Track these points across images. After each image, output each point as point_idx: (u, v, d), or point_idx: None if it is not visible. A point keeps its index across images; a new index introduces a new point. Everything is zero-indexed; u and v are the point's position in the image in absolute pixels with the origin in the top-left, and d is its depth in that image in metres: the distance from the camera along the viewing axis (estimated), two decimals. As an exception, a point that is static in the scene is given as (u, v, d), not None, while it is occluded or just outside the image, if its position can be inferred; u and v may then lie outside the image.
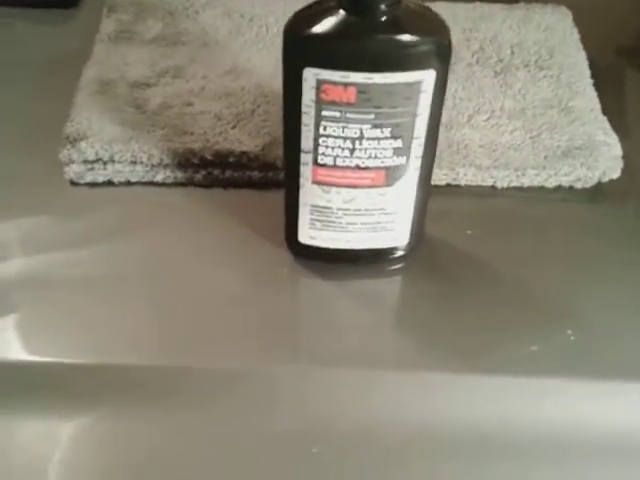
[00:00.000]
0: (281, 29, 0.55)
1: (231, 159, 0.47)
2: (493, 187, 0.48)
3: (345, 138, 0.37)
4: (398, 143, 0.38)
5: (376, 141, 0.37)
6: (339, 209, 0.40)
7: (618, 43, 0.61)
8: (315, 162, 0.38)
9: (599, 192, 0.48)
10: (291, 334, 0.41)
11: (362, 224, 0.41)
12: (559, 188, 0.48)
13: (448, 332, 0.41)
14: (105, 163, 0.47)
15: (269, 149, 0.47)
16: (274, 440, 0.39)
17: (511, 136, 0.49)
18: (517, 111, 0.50)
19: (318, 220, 0.41)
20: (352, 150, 0.38)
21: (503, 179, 0.47)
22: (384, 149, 0.38)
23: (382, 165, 0.38)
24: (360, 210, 0.40)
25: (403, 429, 0.39)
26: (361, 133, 0.37)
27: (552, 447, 0.38)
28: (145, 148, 0.47)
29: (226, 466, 0.39)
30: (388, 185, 0.39)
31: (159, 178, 0.47)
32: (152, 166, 0.47)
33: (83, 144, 0.46)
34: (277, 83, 0.51)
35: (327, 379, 0.40)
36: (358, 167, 0.38)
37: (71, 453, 0.39)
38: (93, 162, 0.47)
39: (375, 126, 0.37)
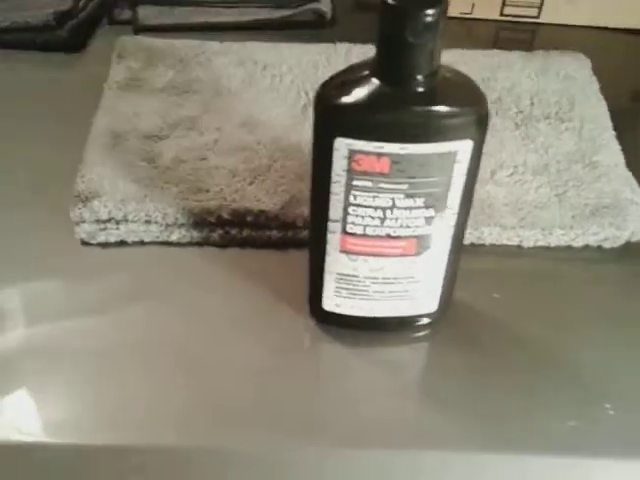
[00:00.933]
0: (295, 78, 0.55)
1: (249, 218, 0.45)
2: (519, 246, 0.46)
3: (376, 207, 0.36)
4: (431, 212, 0.36)
5: (408, 210, 0.36)
6: (366, 277, 0.39)
7: (635, 90, 0.60)
8: (344, 231, 0.37)
9: (628, 251, 0.47)
10: (313, 410, 0.39)
11: (390, 292, 0.39)
12: (586, 247, 0.46)
13: (477, 409, 0.39)
14: (118, 222, 0.45)
15: (288, 208, 0.46)
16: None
17: (536, 194, 0.47)
18: (541, 166, 0.49)
19: (344, 288, 0.39)
20: (383, 219, 0.36)
21: (529, 239, 0.46)
22: (416, 218, 0.36)
23: (413, 234, 0.37)
24: (388, 279, 0.39)
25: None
26: (393, 203, 0.35)
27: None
28: (160, 207, 0.45)
29: None
30: (418, 253, 0.38)
31: (174, 238, 0.46)
32: (167, 225, 0.45)
33: (95, 203, 0.45)
34: (294, 137, 0.51)
35: (348, 459, 0.38)
36: (389, 236, 0.37)
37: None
38: (106, 222, 0.45)
39: (408, 196, 0.35)
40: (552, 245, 0.46)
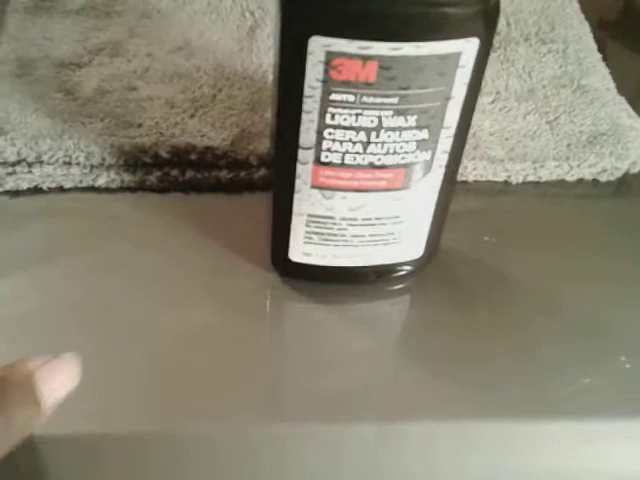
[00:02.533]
0: (239, -4, 0.47)
1: (192, 156, 0.38)
2: (506, 182, 0.40)
3: (358, 129, 0.29)
4: (424, 134, 0.29)
5: (397, 132, 0.29)
6: (343, 219, 0.32)
7: (618, 10, 0.55)
8: (317, 161, 0.30)
9: (623, 185, 0.41)
10: (281, 379, 0.33)
11: (370, 236, 0.33)
12: (580, 182, 0.41)
13: (470, 371, 0.33)
14: (30, 165, 0.37)
15: (239, 143, 0.38)
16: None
17: (525, 121, 0.41)
18: (525, 92, 0.43)
19: (315, 233, 0.32)
20: (366, 144, 0.29)
21: (518, 173, 0.40)
22: (406, 142, 0.29)
23: (402, 162, 0.30)
24: (370, 219, 0.32)
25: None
26: (379, 122, 0.29)
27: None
28: (82, 145, 0.37)
29: None
30: (406, 187, 0.31)
31: (101, 182, 0.38)
32: (92, 167, 0.37)
33: (1, 142, 0.36)
34: (239, 63, 0.43)
35: (324, 437, 0.32)
36: (372, 165, 0.30)
37: None
38: (14, 164, 0.37)
39: (398, 112, 0.28)
40: (543, 180, 0.40)
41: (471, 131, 0.39)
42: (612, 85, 0.44)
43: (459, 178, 0.40)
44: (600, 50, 0.47)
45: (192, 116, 0.39)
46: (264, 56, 0.43)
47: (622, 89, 0.44)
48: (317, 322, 0.34)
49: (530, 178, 0.40)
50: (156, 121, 0.39)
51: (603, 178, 0.41)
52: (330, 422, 0.31)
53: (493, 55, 0.45)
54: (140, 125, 0.39)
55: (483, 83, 0.42)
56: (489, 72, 0.44)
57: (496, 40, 0.46)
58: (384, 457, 0.32)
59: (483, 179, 0.40)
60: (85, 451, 0.30)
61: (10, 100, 0.39)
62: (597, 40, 0.48)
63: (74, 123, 0.38)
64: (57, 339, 0.32)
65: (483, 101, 0.42)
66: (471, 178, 0.40)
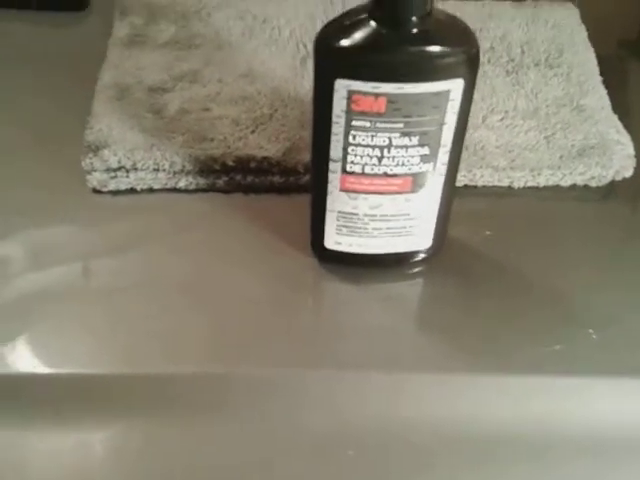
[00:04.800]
0: (293, 30, 0.57)
1: (252, 165, 0.47)
2: (510, 187, 0.49)
3: (374, 147, 0.38)
4: (425, 150, 0.38)
5: (404, 149, 0.38)
6: (365, 215, 0.41)
7: (622, 37, 0.62)
8: (344, 170, 0.39)
9: (612, 190, 0.49)
10: (318, 338, 0.42)
11: (387, 229, 0.42)
12: (574, 187, 0.49)
13: (471, 334, 0.42)
14: (128, 171, 0.47)
15: (290, 154, 0.48)
16: (306, 444, 0.40)
17: (526, 136, 0.50)
18: (530, 111, 0.51)
19: (344, 226, 0.42)
20: (380, 158, 0.38)
21: (519, 179, 0.48)
22: (412, 157, 0.38)
23: (409, 172, 0.39)
24: (386, 216, 0.41)
25: (430, 430, 0.40)
26: (390, 141, 0.38)
27: (578, 445, 0.39)
28: (167, 155, 0.47)
29: (260, 472, 0.40)
30: (414, 191, 0.40)
31: (181, 185, 0.48)
32: (174, 173, 0.47)
33: (105, 152, 0.47)
34: (293, 87, 0.53)
35: (354, 382, 0.41)
36: (386, 174, 0.39)
37: (105, 463, 0.39)
38: (116, 170, 0.47)
39: (404, 134, 0.37)
40: (541, 185, 0.48)
41: (479, 145, 0.49)
42: (607, 104, 0.52)
43: (469, 183, 0.49)
44: (602, 72, 0.55)
45: (253, 132, 0.49)
46: (312, 82, 0.53)
47: (617, 107, 0.52)
48: (346, 297, 0.44)
49: (530, 184, 0.48)
50: (224, 136, 0.49)
51: (593, 184, 0.49)
52: (357, 370, 0.41)
53: (507, 79, 0.54)
54: (212, 139, 0.48)
55: (495, 103, 0.51)
56: (501, 93, 0.52)
57: (510, 65, 0.55)
58: (395, 402, 0.41)
59: (489, 184, 0.49)
60: (158, 388, 0.41)
61: (112, 119, 0.49)
62: (601, 64, 0.55)
63: (161, 138, 0.48)
64: (152, 302, 0.43)
65: (493, 119, 0.51)
66: (479, 183, 0.49)
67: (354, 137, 0.38)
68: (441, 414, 0.41)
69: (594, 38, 0.57)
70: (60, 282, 0.44)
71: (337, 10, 0.58)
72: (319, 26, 0.57)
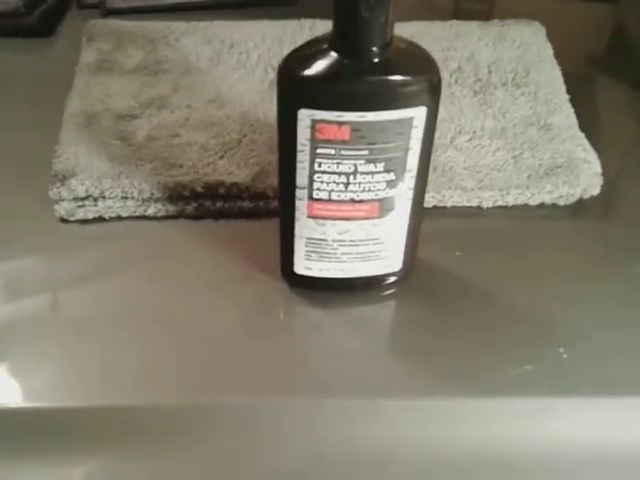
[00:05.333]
0: (261, 55, 0.57)
1: (222, 190, 0.47)
2: (479, 207, 0.49)
3: (340, 173, 0.38)
4: (391, 176, 0.38)
5: (370, 175, 0.38)
6: (334, 240, 0.41)
7: (588, 55, 0.62)
8: (310, 197, 0.39)
9: (580, 208, 0.49)
10: (290, 365, 0.42)
11: (357, 254, 0.42)
12: (542, 205, 0.49)
13: (442, 357, 0.42)
14: (95, 199, 0.47)
15: (259, 179, 0.48)
16: (281, 471, 0.40)
17: (494, 157, 0.50)
18: (498, 130, 0.52)
19: (314, 252, 0.42)
20: (347, 184, 0.38)
21: (488, 199, 0.49)
22: (377, 182, 0.39)
23: (376, 197, 0.39)
24: (355, 241, 0.41)
25: (403, 455, 0.40)
26: (355, 168, 0.38)
27: (552, 466, 0.40)
28: (135, 183, 0.47)
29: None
30: (382, 216, 0.40)
31: (150, 212, 0.48)
32: (143, 200, 0.47)
33: (73, 181, 0.47)
34: (262, 111, 0.53)
35: (327, 409, 0.41)
36: (352, 200, 0.39)
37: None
38: (83, 199, 0.47)
39: (369, 161, 0.38)
40: (510, 204, 0.49)
41: (448, 165, 0.49)
42: (574, 123, 0.52)
43: (438, 204, 0.49)
44: (569, 90, 0.55)
45: (222, 157, 0.49)
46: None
47: (584, 125, 0.53)
48: (318, 322, 0.44)
49: (499, 203, 0.49)
50: (193, 162, 0.49)
51: (561, 202, 0.49)
52: (329, 397, 0.41)
53: (474, 99, 0.54)
54: (181, 166, 0.48)
55: (463, 123, 0.52)
56: (469, 114, 0.53)
57: (478, 86, 0.55)
58: (370, 427, 0.41)
59: (458, 205, 0.49)
60: (131, 420, 0.40)
61: (79, 147, 0.49)
62: (567, 82, 0.56)
63: (129, 165, 0.48)
64: (123, 332, 0.42)
65: (461, 140, 0.51)
66: (449, 204, 0.49)
67: (319, 164, 0.38)
68: (414, 438, 0.41)
69: (560, 56, 0.58)
70: (28, 314, 0.43)
71: (305, 34, 0.59)
72: (287, 49, 0.57)
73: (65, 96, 0.54)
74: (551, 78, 0.56)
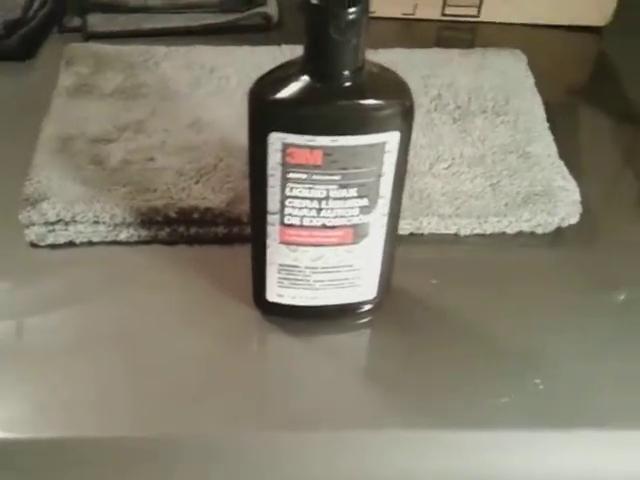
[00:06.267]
0: (241, 80, 0.57)
1: (196, 216, 0.46)
2: (456, 235, 0.48)
3: (312, 199, 0.37)
4: (364, 202, 0.38)
5: (342, 201, 0.38)
6: (307, 267, 0.40)
7: (569, 84, 0.62)
8: (282, 223, 0.38)
9: (559, 236, 0.49)
10: (260, 396, 0.41)
11: (330, 281, 0.41)
12: (520, 234, 0.49)
13: (417, 388, 0.41)
14: (67, 224, 0.46)
15: (234, 204, 0.47)
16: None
17: (472, 184, 0.49)
18: (477, 158, 0.51)
19: (286, 278, 0.41)
20: (319, 210, 0.38)
21: (466, 227, 0.48)
22: (350, 208, 0.38)
23: (349, 223, 0.39)
24: (328, 267, 0.40)
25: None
26: (327, 193, 0.37)
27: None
28: (107, 207, 0.46)
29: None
30: (355, 242, 0.39)
31: (122, 237, 0.47)
32: (115, 225, 0.46)
33: (44, 205, 0.46)
34: (240, 137, 0.51)
35: (297, 442, 0.40)
36: (325, 226, 0.38)
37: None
38: (54, 223, 0.46)
39: (341, 186, 0.37)
40: (488, 232, 0.48)
41: (426, 192, 0.48)
42: (554, 151, 0.52)
43: (415, 231, 0.48)
44: (549, 119, 0.55)
45: (197, 182, 0.48)
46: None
47: (563, 153, 0.52)
48: (290, 350, 0.43)
49: (476, 231, 0.48)
50: (168, 187, 0.48)
51: (539, 231, 0.48)
52: (300, 431, 0.39)
53: (453, 126, 0.54)
54: (155, 190, 0.48)
55: (442, 150, 0.51)
56: (448, 141, 0.52)
57: (457, 113, 0.55)
58: (338, 458, 0.40)
59: (436, 232, 0.48)
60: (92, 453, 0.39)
61: (52, 171, 0.48)
62: (548, 110, 0.56)
63: (102, 189, 0.47)
64: (90, 362, 0.41)
65: (440, 167, 0.51)
66: (426, 231, 0.48)
67: (291, 189, 0.37)
68: (386, 473, 0.39)
69: (541, 85, 0.58)
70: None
71: (286, 58, 0.58)
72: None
73: (42, 120, 0.53)
74: (531, 106, 0.55)
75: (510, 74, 0.58)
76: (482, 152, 0.52)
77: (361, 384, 0.42)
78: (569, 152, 0.53)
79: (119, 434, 0.39)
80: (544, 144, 0.52)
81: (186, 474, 0.39)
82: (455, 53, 0.60)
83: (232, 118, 0.54)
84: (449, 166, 0.51)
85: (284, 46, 0.60)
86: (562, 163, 0.51)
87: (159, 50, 0.59)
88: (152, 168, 0.49)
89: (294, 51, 0.58)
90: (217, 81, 0.57)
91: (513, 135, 0.53)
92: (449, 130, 0.53)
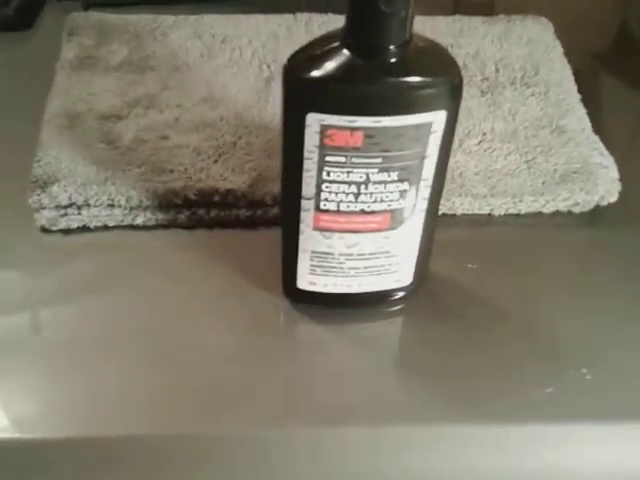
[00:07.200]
0: (256, 51, 0.54)
1: (216, 198, 0.44)
2: (490, 215, 0.46)
3: (350, 183, 0.35)
4: (405, 186, 0.35)
5: (382, 185, 0.35)
6: (341, 254, 0.38)
7: (597, 51, 0.60)
8: (317, 208, 0.36)
9: (597, 215, 0.47)
10: (292, 391, 0.38)
11: (365, 268, 0.39)
12: (557, 213, 0.46)
13: (456, 378, 0.39)
14: (79, 207, 0.43)
15: (256, 185, 0.44)
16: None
17: (506, 161, 0.47)
18: (509, 133, 0.49)
19: (319, 266, 0.38)
20: (357, 195, 0.35)
21: (500, 207, 0.46)
22: (390, 192, 0.35)
23: (388, 209, 0.36)
24: (364, 254, 0.38)
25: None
26: (367, 177, 0.35)
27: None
28: (122, 190, 0.43)
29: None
30: (393, 228, 0.37)
31: (139, 221, 0.44)
32: (131, 209, 0.44)
33: (55, 188, 0.43)
34: (257, 112, 0.49)
35: (334, 438, 0.38)
36: (363, 212, 0.36)
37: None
38: (66, 207, 0.43)
39: (382, 170, 0.34)
40: (522, 212, 0.46)
41: (458, 171, 0.46)
42: (588, 125, 0.50)
43: (448, 212, 0.46)
44: (580, 90, 0.52)
45: (215, 162, 0.46)
46: (278, 106, 0.49)
47: (597, 127, 0.50)
48: (322, 340, 0.40)
49: (511, 211, 0.46)
50: (185, 167, 0.45)
51: (577, 210, 0.46)
52: (336, 426, 0.37)
53: (482, 99, 0.51)
54: (172, 171, 0.45)
55: (472, 125, 0.49)
56: (477, 115, 0.50)
57: (485, 85, 0.52)
58: (378, 455, 0.38)
59: (469, 212, 0.46)
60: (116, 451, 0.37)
61: (61, 150, 0.45)
62: (578, 81, 0.53)
63: (115, 170, 0.45)
64: (109, 355, 0.39)
65: (470, 143, 0.48)
66: (459, 212, 0.46)
67: (328, 173, 0.34)
68: (429, 468, 0.38)
69: (569, 54, 0.55)
70: (6, 333, 0.40)
71: (301, 29, 0.55)
72: (283, 45, 0.54)
73: (45, 95, 0.50)
74: (561, 77, 0.53)
75: (537, 43, 0.55)
76: (514, 127, 0.49)
77: (395, 375, 0.40)
78: (602, 125, 0.50)
79: (145, 432, 0.37)
80: (577, 118, 0.50)
81: (214, 475, 0.37)
82: (479, 21, 0.57)
83: (249, 92, 0.51)
84: (480, 142, 0.48)
85: (299, 14, 0.57)
86: (597, 138, 0.49)
87: (166, 19, 0.56)
88: (167, 147, 0.47)
89: (310, 19, 0.56)
90: (230, 52, 0.53)
91: (544, 108, 0.51)
92: (477, 103, 0.51)
